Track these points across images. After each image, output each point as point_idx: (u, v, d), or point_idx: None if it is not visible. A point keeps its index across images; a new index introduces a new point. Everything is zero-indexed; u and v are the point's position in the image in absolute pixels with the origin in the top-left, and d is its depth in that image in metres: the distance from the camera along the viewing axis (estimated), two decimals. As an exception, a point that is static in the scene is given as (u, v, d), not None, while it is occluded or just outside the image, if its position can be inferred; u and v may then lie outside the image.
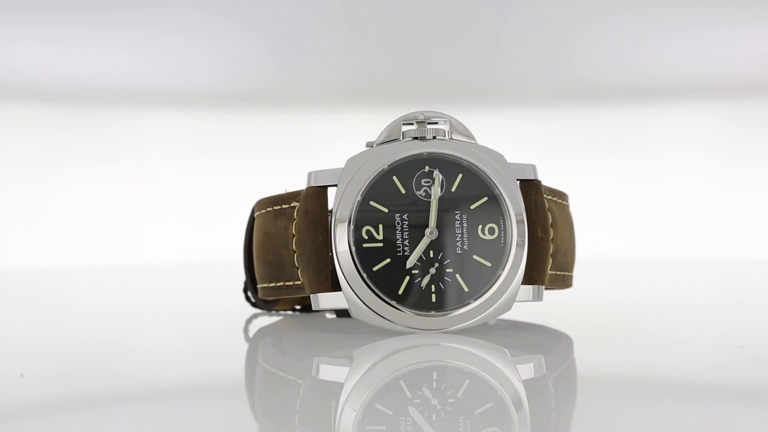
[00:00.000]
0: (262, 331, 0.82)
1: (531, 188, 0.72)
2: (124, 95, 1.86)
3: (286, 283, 0.74)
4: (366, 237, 0.70)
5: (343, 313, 0.81)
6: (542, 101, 1.88)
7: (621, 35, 1.84)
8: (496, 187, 0.71)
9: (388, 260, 0.70)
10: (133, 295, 1.22)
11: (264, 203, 0.77)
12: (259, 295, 0.79)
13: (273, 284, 0.76)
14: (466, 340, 0.71)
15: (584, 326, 0.84)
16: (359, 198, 0.70)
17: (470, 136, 0.73)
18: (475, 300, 0.70)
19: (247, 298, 0.85)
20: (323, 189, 0.72)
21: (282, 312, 0.86)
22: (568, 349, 0.73)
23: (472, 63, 1.88)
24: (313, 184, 0.72)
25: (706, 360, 0.71)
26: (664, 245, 1.77)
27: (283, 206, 0.74)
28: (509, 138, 1.36)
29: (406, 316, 0.70)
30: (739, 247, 1.74)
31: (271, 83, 1.91)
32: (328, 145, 1.82)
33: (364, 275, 0.70)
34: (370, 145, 0.73)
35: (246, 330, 0.83)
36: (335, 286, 0.71)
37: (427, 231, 0.70)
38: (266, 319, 0.86)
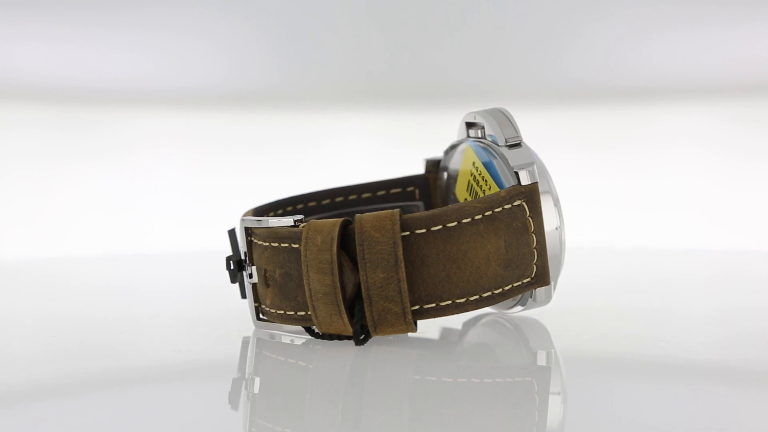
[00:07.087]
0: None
1: None
2: (124, 95, 1.85)
3: (519, 282, 0.72)
4: None
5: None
6: (541, 101, 1.88)
7: (620, 35, 1.84)
8: None
9: None
10: (134, 294, 1.22)
11: (464, 212, 0.70)
12: (470, 308, 0.71)
13: (507, 287, 0.71)
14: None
15: (584, 323, 0.84)
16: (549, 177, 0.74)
17: None
18: None
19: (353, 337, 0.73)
20: None
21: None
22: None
23: (471, 63, 1.88)
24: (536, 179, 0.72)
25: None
26: (663, 244, 1.77)
27: (505, 207, 0.71)
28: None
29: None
30: (738, 246, 1.73)
31: (272, 83, 1.91)
32: (328, 145, 1.82)
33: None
34: (513, 141, 0.74)
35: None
36: None
37: None
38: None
